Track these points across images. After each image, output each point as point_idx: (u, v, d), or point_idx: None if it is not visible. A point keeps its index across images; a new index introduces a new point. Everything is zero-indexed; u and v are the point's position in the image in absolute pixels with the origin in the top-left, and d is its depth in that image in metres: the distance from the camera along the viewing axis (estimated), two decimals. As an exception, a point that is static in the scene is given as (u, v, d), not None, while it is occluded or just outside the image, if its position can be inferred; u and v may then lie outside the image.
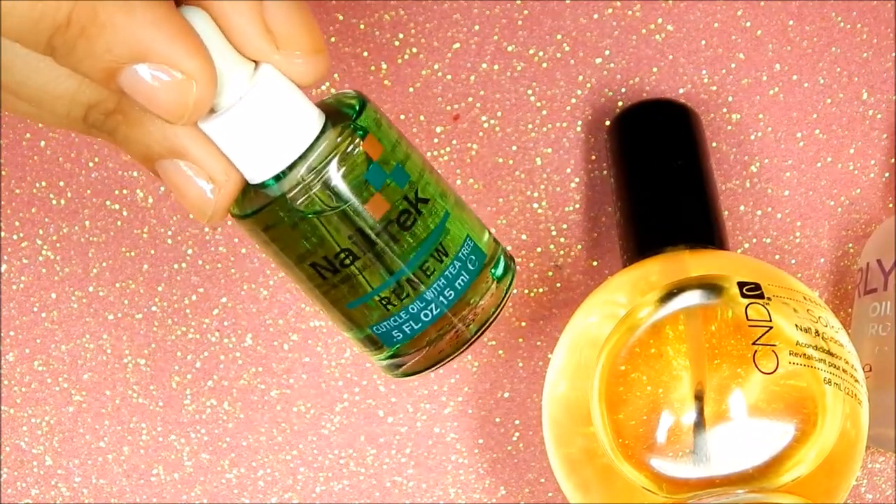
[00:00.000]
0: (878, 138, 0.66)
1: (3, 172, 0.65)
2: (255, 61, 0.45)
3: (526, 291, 0.65)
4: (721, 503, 0.54)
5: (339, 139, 0.45)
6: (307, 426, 0.65)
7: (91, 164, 0.65)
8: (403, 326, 0.48)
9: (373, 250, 0.46)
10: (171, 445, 0.64)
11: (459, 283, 0.48)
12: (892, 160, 0.66)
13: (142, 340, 0.65)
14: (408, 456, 0.65)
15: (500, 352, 0.65)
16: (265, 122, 0.45)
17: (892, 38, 0.67)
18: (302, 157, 0.45)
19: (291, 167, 0.45)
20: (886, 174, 0.66)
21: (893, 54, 0.67)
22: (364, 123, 0.46)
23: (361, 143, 0.45)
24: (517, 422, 0.65)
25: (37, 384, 0.65)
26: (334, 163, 0.45)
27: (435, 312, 0.47)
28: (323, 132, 0.45)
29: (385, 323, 0.47)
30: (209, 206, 0.45)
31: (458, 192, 0.65)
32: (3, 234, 0.65)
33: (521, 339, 0.65)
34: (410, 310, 0.47)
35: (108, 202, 0.65)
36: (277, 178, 0.45)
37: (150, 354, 0.65)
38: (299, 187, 0.45)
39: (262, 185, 0.45)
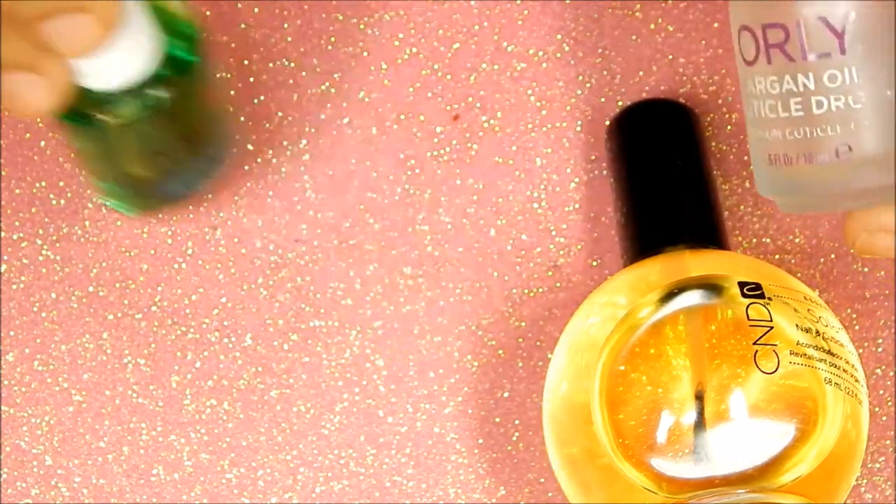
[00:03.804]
0: (877, 138, 0.66)
1: (3, 172, 0.65)
2: None
3: (526, 291, 0.65)
4: (721, 503, 0.54)
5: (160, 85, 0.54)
6: (307, 426, 0.65)
7: (91, 164, 0.65)
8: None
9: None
10: (171, 445, 0.64)
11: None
12: (892, 160, 0.66)
13: (142, 340, 0.65)
14: (408, 456, 0.65)
15: (500, 352, 0.65)
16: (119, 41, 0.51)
17: (892, 39, 0.67)
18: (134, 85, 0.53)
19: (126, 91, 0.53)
20: (886, 174, 0.66)
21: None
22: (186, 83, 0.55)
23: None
24: (517, 422, 0.65)
25: (37, 384, 0.65)
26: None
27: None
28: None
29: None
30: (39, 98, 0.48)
31: (456, 191, 0.65)
32: (3, 234, 0.65)
33: (521, 340, 0.65)
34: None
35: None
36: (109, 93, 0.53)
37: (150, 354, 0.65)
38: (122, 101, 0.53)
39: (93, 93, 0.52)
